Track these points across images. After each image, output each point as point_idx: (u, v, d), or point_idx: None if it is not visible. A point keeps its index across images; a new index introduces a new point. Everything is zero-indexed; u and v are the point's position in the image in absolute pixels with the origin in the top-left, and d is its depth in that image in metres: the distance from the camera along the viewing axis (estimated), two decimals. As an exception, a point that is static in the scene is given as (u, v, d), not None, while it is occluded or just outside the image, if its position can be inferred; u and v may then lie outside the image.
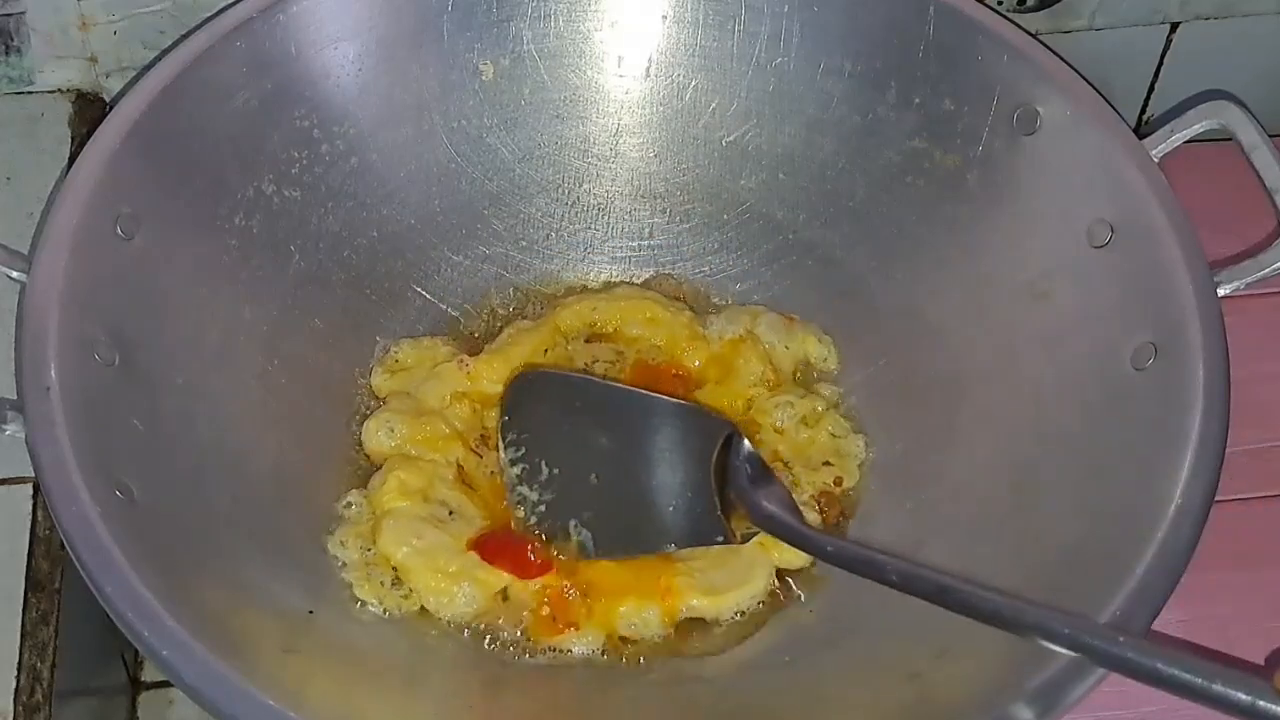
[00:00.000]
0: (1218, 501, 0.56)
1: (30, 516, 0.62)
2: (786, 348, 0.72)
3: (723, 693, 0.61)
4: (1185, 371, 0.58)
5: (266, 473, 0.63)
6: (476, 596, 0.62)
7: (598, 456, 0.64)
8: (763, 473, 0.61)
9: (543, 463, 0.65)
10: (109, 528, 0.52)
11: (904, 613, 0.61)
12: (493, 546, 0.63)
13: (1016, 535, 0.61)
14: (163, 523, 0.55)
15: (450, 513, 0.64)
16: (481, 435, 0.69)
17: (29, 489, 0.63)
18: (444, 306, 0.73)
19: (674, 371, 0.71)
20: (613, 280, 0.75)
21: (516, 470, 0.65)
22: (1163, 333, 0.60)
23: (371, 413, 0.68)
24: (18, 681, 0.58)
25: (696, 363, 0.71)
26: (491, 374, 0.69)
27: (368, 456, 0.67)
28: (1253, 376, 0.61)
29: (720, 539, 0.62)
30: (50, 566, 0.61)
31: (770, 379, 0.71)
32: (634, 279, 0.75)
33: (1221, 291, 0.61)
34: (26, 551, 0.61)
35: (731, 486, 0.61)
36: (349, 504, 0.65)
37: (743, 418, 0.69)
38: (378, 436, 0.67)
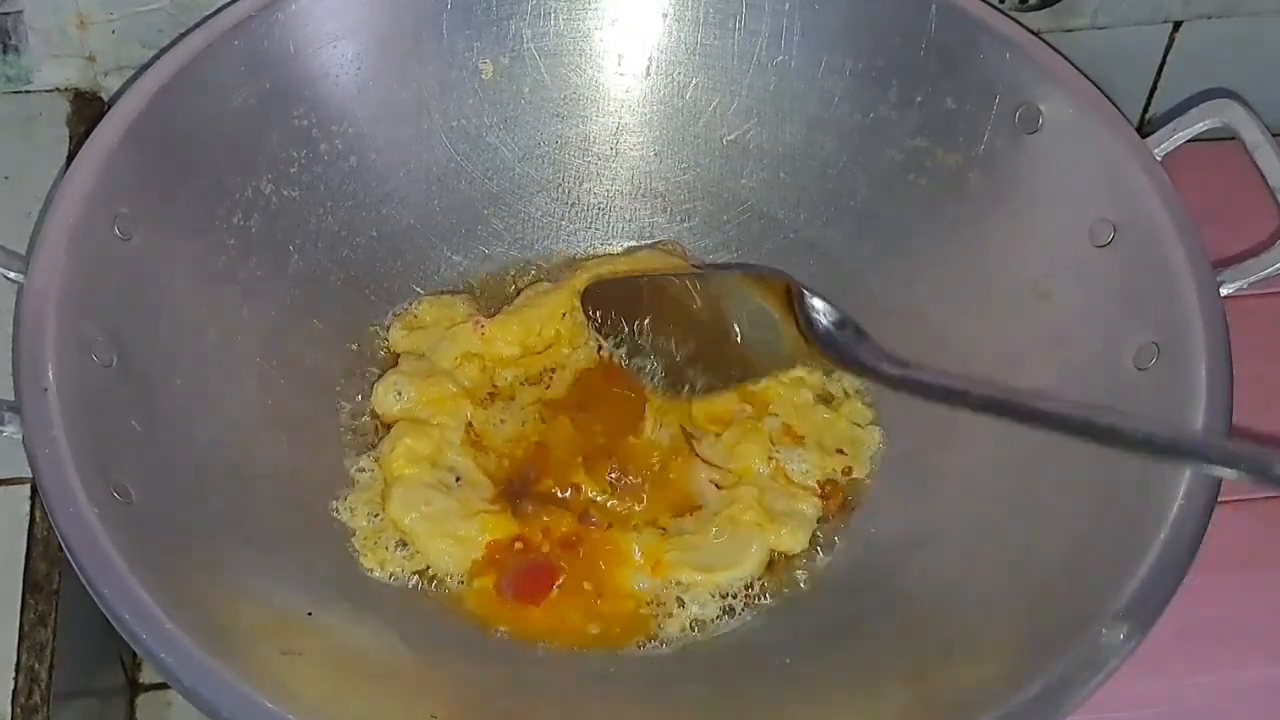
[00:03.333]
0: (1219, 502, 0.56)
1: (28, 518, 0.62)
2: None
3: (723, 692, 0.61)
4: (1188, 371, 0.58)
5: (265, 474, 0.63)
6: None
7: (684, 329, 0.68)
8: (835, 315, 0.65)
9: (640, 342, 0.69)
10: (107, 529, 0.51)
11: (906, 613, 0.62)
12: (520, 581, 0.64)
13: (1018, 535, 0.61)
14: (161, 524, 0.55)
15: (457, 479, 0.65)
16: (490, 393, 0.69)
17: (27, 490, 0.63)
18: (443, 306, 0.73)
19: None
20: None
21: (622, 352, 0.70)
22: (1165, 332, 0.60)
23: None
24: (15, 683, 0.58)
25: None
26: (506, 336, 0.70)
27: (380, 423, 0.68)
28: (1255, 376, 0.60)
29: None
30: (48, 568, 0.61)
31: None
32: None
33: (1224, 291, 0.60)
34: (24, 553, 0.61)
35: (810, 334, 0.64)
36: (361, 469, 0.66)
37: (750, 389, 0.70)
38: (387, 399, 0.68)
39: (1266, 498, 0.68)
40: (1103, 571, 0.55)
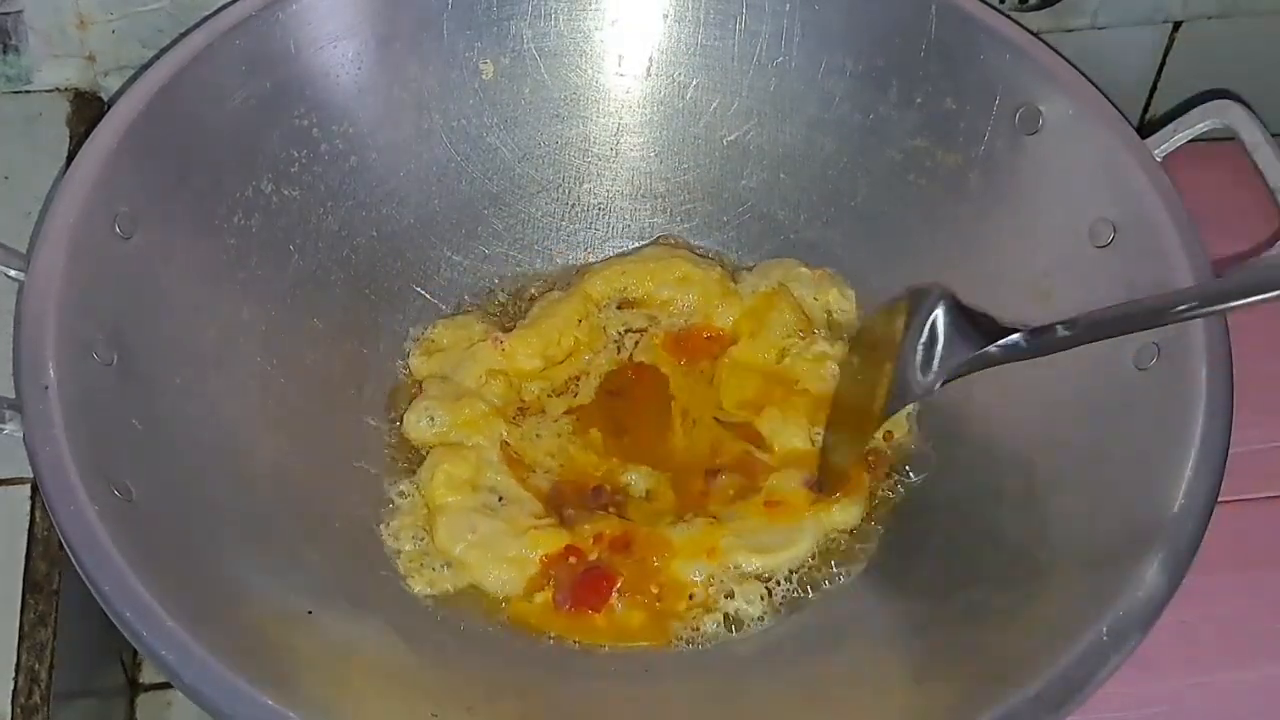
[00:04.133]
0: (1220, 502, 0.56)
1: (28, 517, 0.62)
2: (815, 299, 0.73)
3: (725, 693, 0.61)
4: (1188, 371, 0.58)
5: (265, 473, 0.63)
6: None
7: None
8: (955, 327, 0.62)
9: None
10: (107, 528, 0.51)
11: (906, 613, 0.62)
12: (578, 590, 0.64)
13: (1017, 535, 0.61)
14: (161, 523, 0.55)
15: (500, 499, 0.65)
16: (520, 408, 0.69)
17: (27, 489, 0.63)
18: (444, 307, 0.73)
19: (705, 334, 0.72)
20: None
21: None
22: (1165, 332, 0.60)
23: (411, 402, 0.69)
24: (15, 683, 0.58)
25: (729, 320, 0.72)
26: (526, 349, 0.70)
27: (401, 443, 0.68)
28: (1255, 376, 0.60)
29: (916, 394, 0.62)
30: (48, 567, 0.61)
31: (803, 329, 0.71)
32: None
33: (1225, 291, 0.60)
34: (24, 553, 0.61)
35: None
36: (402, 493, 0.66)
37: (775, 368, 0.70)
38: (419, 426, 0.68)
39: (1267, 497, 0.68)
40: (1103, 571, 0.55)
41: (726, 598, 0.63)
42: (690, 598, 0.63)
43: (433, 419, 0.68)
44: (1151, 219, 0.62)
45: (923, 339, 0.61)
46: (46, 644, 0.60)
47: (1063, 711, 0.51)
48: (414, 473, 0.67)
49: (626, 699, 0.61)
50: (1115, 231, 0.64)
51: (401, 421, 0.68)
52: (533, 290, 0.74)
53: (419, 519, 0.65)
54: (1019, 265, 0.67)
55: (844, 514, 0.66)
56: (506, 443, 0.68)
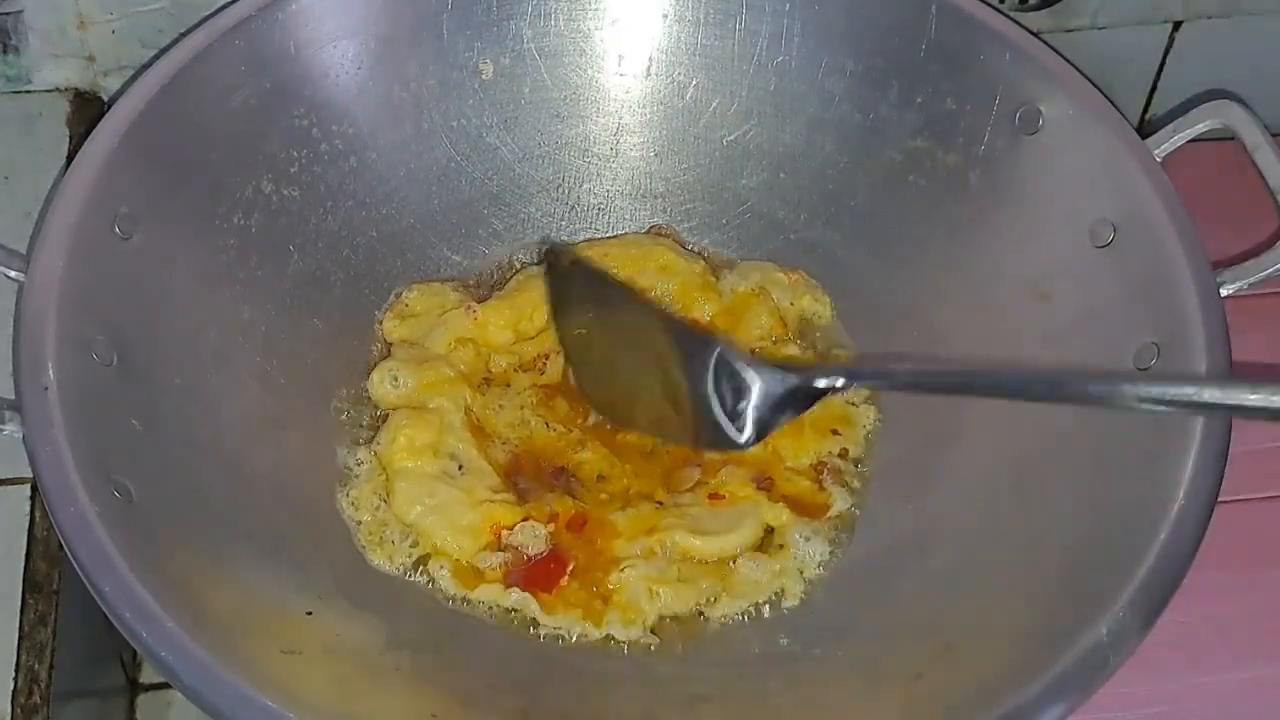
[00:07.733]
0: (1219, 502, 0.56)
1: (28, 517, 0.62)
2: (792, 304, 0.73)
3: (723, 692, 0.61)
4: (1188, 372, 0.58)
5: (265, 472, 0.63)
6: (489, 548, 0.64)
7: (626, 355, 0.64)
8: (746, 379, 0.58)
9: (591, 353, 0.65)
10: (107, 528, 0.51)
11: (906, 612, 0.61)
12: (532, 571, 0.64)
13: (1019, 535, 0.61)
14: (161, 523, 0.55)
15: (460, 467, 0.65)
16: (485, 378, 0.70)
17: (27, 490, 0.63)
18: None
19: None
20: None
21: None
22: (1165, 332, 0.60)
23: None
24: (15, 683, 0.58)
25: (708, 313, 0.72)
26: (499, 320, 0.70)
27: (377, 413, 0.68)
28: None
29: (731, 446, 0.58)
30: (48, 568, 0.61)
31: (778, 333, 0.71)
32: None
33: (1224, 291, 0.60)
34: (24, 553, 0.61)
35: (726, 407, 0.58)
36: (359, 461, 0.66)
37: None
38: (383, 386, 0.68)
39: (1266, 497, 0.68)
40: (1103, 571, 0.55)
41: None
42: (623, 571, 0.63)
43: (396, 379, 0.68)
44: (1151, 219, 0.62)
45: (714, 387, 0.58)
46: (46, 644, 0.60)
47: (1063, 712, 0.51)
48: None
49: (625, 697, 0.61)
50: (1115, 231, 0.64)
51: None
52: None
53: (378, 486, 0.65)
54: (1019, 265, 0.67)
55: (785, 513, 0.66)
56: (470, 409, 0.68)
